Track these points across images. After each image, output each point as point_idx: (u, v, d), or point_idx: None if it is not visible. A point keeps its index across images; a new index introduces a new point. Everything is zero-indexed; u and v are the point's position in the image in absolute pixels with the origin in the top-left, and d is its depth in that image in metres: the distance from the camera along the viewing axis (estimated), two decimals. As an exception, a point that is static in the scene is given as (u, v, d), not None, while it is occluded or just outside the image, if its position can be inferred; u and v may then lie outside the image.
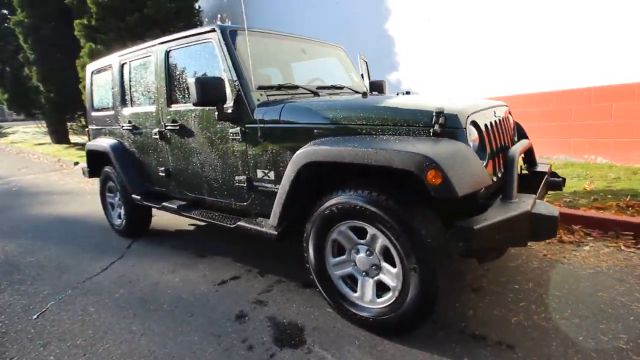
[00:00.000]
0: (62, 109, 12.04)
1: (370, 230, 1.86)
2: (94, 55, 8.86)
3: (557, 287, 2.30)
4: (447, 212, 1.85)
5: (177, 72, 2.89)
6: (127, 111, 3.44)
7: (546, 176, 2.47)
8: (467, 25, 5.59)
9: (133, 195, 3.48)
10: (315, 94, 2.67)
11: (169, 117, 2.96)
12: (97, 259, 3.32)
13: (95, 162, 4.04)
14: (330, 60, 3.43)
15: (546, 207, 1.78)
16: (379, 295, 1.94)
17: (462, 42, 5.63)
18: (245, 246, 3.38)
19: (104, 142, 3.69)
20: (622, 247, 2.69)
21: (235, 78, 2.44)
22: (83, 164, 4.40)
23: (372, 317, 1.93)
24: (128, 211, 3.64)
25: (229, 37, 2.52)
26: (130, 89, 3.40)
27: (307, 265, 2.19)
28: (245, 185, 2.54)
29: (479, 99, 2.58)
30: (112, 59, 3.59)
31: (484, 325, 1.99)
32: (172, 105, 2.94)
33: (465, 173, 1.59)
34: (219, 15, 12.18)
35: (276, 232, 2.30)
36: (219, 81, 2.36)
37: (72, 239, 3.91)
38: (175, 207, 3.04)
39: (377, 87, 3.63)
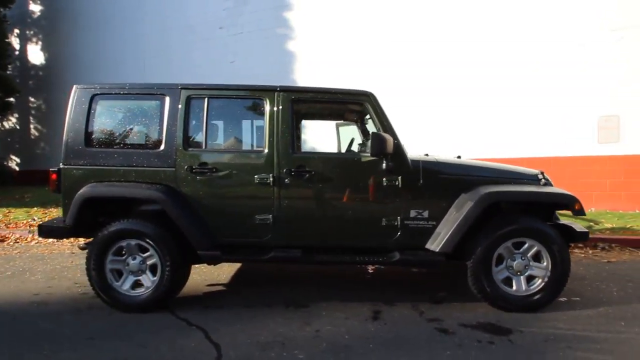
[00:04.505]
0: None
1: (530, 242, 2.90)
2: None
3: (611, 272, 3.83)
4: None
5: (311, 122, 3.00)
6: (198, 152, 2.95)
7: None
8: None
9: (203, 252, 2.91)
10: None
11: (290, 162, 2.93)
12: (171, 342, 2.55)
13: (86, 216, 2.97)
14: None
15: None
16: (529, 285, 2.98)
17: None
18: (315, 287, 3.46)
19: (142, 188, 2.90)
20: (606, 248, 4.50)
21: (394, 136, 2.98)
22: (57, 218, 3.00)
23: (527, 300, 2.92)
24: (173, 274, 2.91)
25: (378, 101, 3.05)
26: (206, 127, 2.98)
27: (470, 276, 2.94)
28: (397, 224, 2.99)
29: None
30: (166, 89, 2.99)
31: (602, 299, 3.20)
32: (299, 152, 2.97)
33: (578, 203, 3.02)
34: (16, 31, 9.30)
35: (444, 258, 2.94)
36: (389, 138, 2.88)
37: (54, 335, 2.70)
38: (299, 255, 2.92)
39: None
